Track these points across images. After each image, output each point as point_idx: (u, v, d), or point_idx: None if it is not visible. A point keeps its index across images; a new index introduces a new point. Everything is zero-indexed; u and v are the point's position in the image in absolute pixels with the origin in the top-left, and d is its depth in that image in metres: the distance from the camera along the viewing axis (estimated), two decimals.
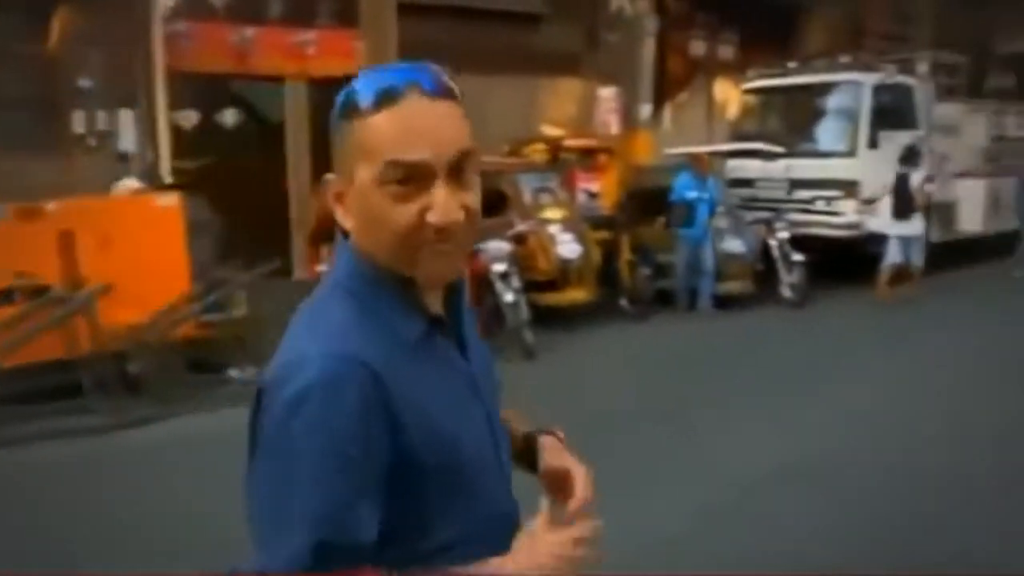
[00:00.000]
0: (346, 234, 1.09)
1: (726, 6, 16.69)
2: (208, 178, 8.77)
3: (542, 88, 12.94)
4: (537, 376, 6.81)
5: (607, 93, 11.67)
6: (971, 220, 11.92)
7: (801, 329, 8.58)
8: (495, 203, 8.49)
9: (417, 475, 1.02)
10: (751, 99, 11.78)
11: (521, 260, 8.19)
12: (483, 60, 12.43)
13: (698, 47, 13.87)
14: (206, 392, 6.21)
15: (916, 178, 9.63)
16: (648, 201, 9.87)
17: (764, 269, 9.66)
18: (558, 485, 1.22)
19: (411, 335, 1.06)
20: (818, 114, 10.85)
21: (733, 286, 9.40)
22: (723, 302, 9.22)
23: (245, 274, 7.08)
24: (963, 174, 11.64)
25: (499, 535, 1.08)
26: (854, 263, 10.62)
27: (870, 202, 10.22)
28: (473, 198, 1.05)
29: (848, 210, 10.15)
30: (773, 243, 9.49)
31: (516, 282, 7.45)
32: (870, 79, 10.32)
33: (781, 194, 10.45)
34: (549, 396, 6.24)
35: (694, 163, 9.26)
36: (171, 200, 6.85)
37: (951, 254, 11.45)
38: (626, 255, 8.82)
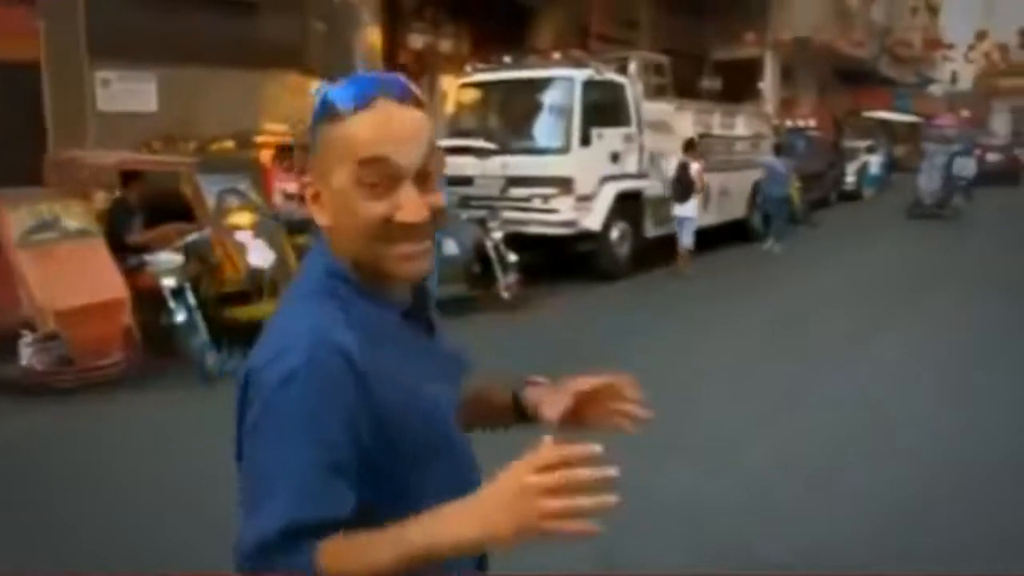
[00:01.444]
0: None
1: (459, 2, 16.52)
2: None
3: (266, 81, 11.93)
4: (216, 404, 5.90)
5: (316, 86, 10.82)
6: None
7: (519, 330, 8.29)
8: (175, 209, 7.46)
9: (394, 453, 1.10)
10: (468, 94, 11.43)
11: (207, 271, 7.25)
12: (195, 51, 11.22)
13: (418, 40, 13.35)
14: None
15: (695, 167, 10.89)
16: None
17: (482, 270, 9.31)
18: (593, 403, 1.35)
19: (385, 325, 1.14)
20: (532, 110, 10.68)
21: (448, 289, 8.94)
22: (439, 306, 8.73)
23: None
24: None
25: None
26: (572, 261, 10.61)
27: (585, 199, 10.20)
28: (439, 199, 1.13)
29: (563, 207, 10.04)
30: (489, 243, 9.15)
31: (191, 298, 6.47)
32: (580, 75, 10.27)
33: (498, 192, 10.17)
34: (230, 427, 5.43)
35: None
36: None
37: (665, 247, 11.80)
38: None
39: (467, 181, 10.36)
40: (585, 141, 10.17)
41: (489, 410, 1.42)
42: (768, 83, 26.70)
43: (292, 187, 8.54)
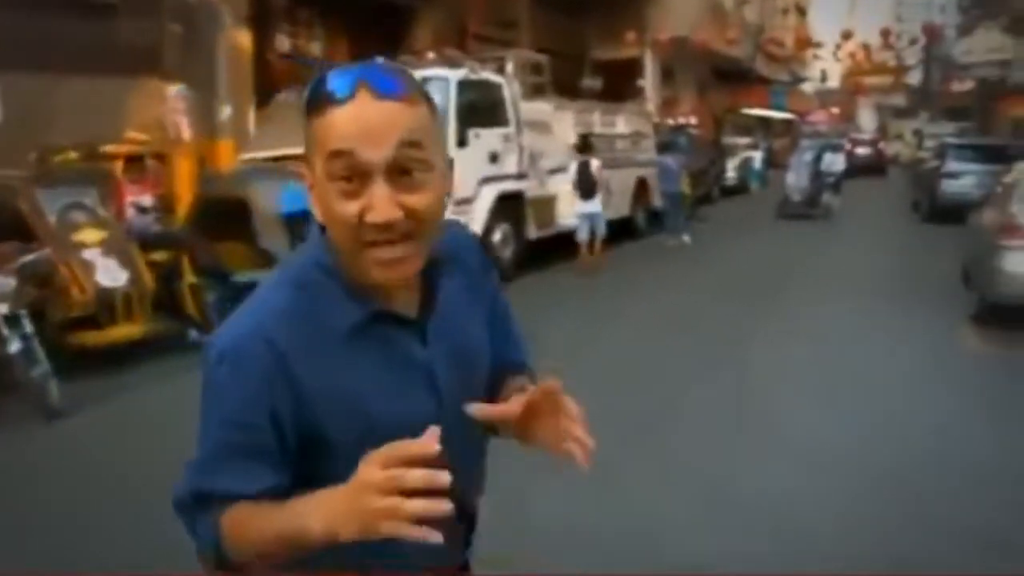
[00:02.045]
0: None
1: (333, 3, 16.02)
2: None
3: (122, 88, 11.17)
4: (60, 442, 5.36)
5: (173, 92, 10.21)
6: (567, 214, 12.17)
7: None
8: (12, 227, 6.80)
9: (327, 449, 1.12)
10: None
11: (50, 294, 6.63)
12: (45, 55, 10.41)
13: (285, 43, 12.81)
14: None
15: (595, 164, 11.07)
16: (223, 214, 8.67)
17: None
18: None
19: (344, 325, 1.13)
20: None
21: None
22: None
23: None
24: (556, 170, 11.86)
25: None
26: None
27: (464, 202, 9.93)
28: (420, 199, 1.08)
29: None
30: None
31: (27, 326, 5.85)
32: (455, 75, 10.00)
33: None
34: (77, 466, 4.87)
35: (301, 171, 8.13)
36: None
37: (548, 247, 11.66)
38: (189, 278, 7.52)
39: None
40: (462, 142, 9.91)
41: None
42: (649, 82, 27.10)
43: (147, 200, 7.95)
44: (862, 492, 4.28)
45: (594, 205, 11.07)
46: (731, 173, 24.38)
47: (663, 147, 16.09)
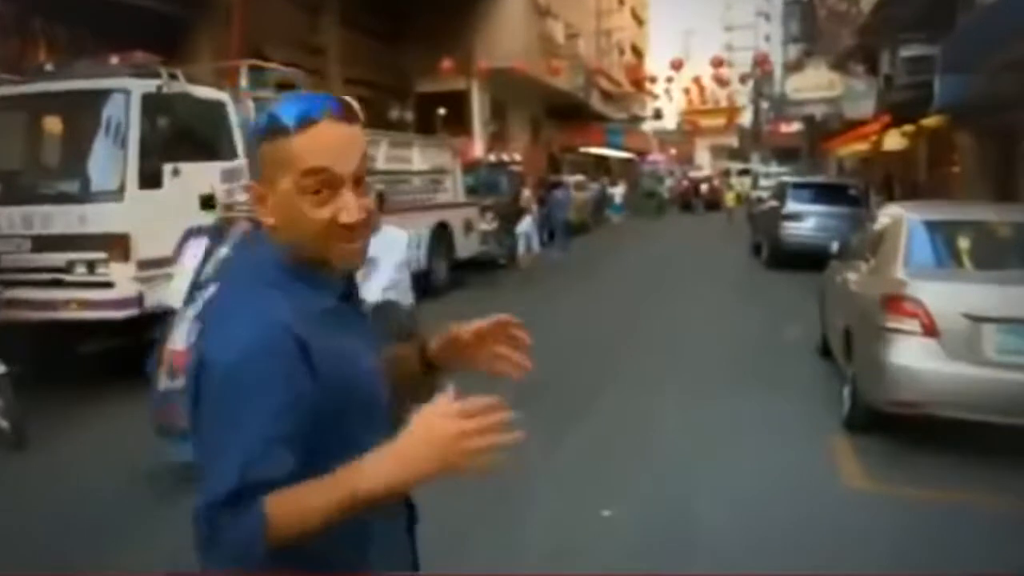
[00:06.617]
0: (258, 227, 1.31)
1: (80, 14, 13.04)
2: None
3: None
4: None
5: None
6: None
7: (35, 479, 5.00)
8: None
9: (332, 415, 1.23)
10: None
11: None
12: None
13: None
14: None
15: None
16: None
17: None
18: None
19: (322, 307, 1.29)
20: (71, 138, 7.36)
21: None
22: None
23: None
24: None
25: None
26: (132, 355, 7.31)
27: (155, 264, 6.97)
28: (369, 201, 1.31)
29: (120, 277, 6.79)
30: None
31: None
32: (140, 86, 7.06)
33: (18, 259, 6.80)
34: None
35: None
36: None
37: None
38: None
39: None
40: (151, 181, 7.00)
41: (402, 370, 1.54)
42: (476, 116, 24.98)
43: None
44: None
45: None
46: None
47: (476, 189, 13.72)
